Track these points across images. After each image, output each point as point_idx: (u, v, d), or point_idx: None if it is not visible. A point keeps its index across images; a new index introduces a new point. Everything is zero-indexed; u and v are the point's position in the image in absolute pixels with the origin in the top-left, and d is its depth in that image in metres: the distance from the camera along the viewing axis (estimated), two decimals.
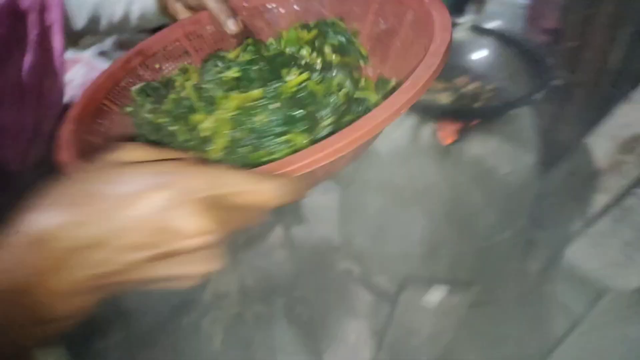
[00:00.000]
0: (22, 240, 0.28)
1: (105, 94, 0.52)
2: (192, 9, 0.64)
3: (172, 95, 0.54)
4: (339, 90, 0.48)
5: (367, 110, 0.45)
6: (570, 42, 1.40)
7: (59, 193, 0.30)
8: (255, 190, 0.30)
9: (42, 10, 0.66)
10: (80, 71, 2.00)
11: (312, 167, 0.32)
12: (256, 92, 0.48)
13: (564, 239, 1.32)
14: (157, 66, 0.58)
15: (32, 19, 0.65)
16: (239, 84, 0.50)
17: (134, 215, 0.28)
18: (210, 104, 0.50)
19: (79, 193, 0.29)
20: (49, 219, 0.28)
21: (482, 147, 0.99)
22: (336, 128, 0.44)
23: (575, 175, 1.37)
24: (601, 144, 1.33)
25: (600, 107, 1.44)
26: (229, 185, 0.29)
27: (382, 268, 1.13)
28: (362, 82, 0.51)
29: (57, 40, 0.68)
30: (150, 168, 0.29)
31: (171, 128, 0.49)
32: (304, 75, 0.49)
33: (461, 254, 1.05)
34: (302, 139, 0.43)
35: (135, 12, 0.73)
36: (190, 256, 0.30)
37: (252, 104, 0.47)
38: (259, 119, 0.45)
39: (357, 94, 0.49)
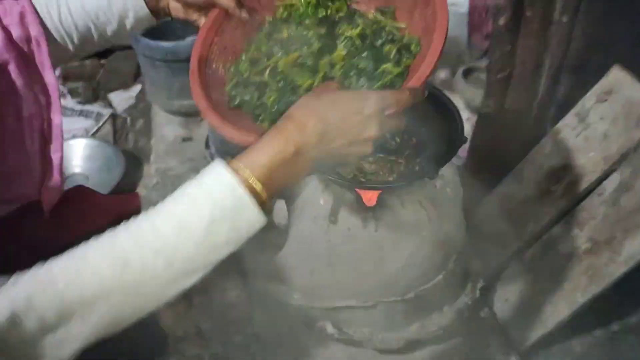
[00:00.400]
0: (290, 124, 0.55)
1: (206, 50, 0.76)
2: (187, 4, 0.76)
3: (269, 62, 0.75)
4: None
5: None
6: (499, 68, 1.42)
7: (307, 103, 0.58)
8: (403, 99, 0.59)
9: (30, 52, 0.70)
10: None
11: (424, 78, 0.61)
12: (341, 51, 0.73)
13: (497, 268, 1.40)
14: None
15: (18, 65, 0.68)
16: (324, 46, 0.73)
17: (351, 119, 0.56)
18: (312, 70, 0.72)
19: (328, 103, 0.58)
20: (307, 114, 0.56)
21: (403, 207, 1.04)
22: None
23: (508, 201, 1.43)
24: (530, 171, 1.39)
25: (529, 136, 1.48)
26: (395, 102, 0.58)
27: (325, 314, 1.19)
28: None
29: (49, 75, 0.71)
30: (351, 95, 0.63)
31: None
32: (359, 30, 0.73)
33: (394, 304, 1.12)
34: (395, 68, 0.69)
35: (129, 23, 0.77)
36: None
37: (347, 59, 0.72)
38: (362, 64, 0.70)
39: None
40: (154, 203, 1.44)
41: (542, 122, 1.51)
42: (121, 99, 2.10)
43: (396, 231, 1.02)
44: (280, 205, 1.21)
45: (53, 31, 0.75)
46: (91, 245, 0.50)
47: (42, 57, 0.71)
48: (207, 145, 1.66)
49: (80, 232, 0.88)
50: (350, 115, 0.56)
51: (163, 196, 1.46)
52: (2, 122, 0.68)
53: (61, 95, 2.07)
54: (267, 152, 0.54)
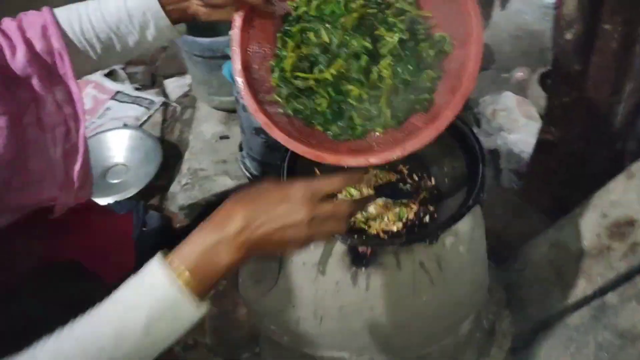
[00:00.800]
0: (217, 216, 0.58)
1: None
2: (213, 6, 0.76)
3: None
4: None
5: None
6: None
7: (238, 196, 0.60)
8: (332, 184, 0.63)
9: (53, 63, 0.74)
10: (91, 93, 2.06)
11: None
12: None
13: (532, 330, 1.19)
14: None
15: (40, 78, 0.72)
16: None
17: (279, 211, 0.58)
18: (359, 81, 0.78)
19: (254, 194, 0.60)
20: (234, 204, 0.59)
21: (399, 269, 0.90)
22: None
23: (559, 249, 1.21)
24: (591, 219, 1.15)
25: (598, 173, 1.22)
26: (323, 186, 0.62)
27: None
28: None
29: (73, 86, 0.75)
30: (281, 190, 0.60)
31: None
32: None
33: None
34: (436, 72, 0.78)
35: (150, 34, 0.79)
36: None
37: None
38: (406, 74, 0.77)
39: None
40: (181, 205, 1.42)
41: (617, 158, 1.24)
42: (175, 86, 2.10)
43: (390, 293, 0.89)
44: None
45: (76, 42, 0.76)
46: (40, 348, 0.52)
47: (65, 69, 0.74)
48: (240, 148, 1.60)
49: (73, 248, 0.91)
50: (277, 201, 0.59)
51: (190, 198, 1.46)
52: (24, 131, 0.72)
53: (119, 80, 2.13)
54: (197, 244, 0.56)
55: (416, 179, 1.02)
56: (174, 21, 0.80)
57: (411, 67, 0.76)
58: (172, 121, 1.99)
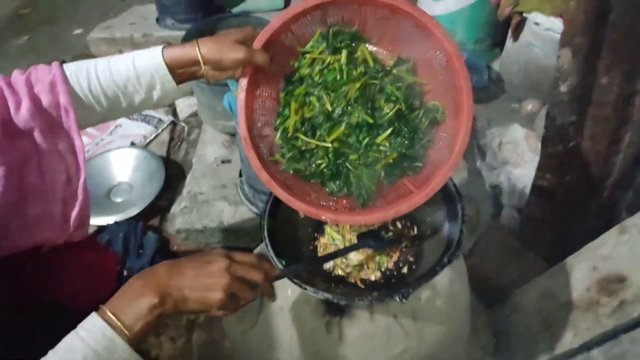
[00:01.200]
0: (145, 273, 0.63)
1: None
2: (222, 69, 0.78)
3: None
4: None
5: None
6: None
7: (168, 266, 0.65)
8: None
9: (58, 117, 0.77)
10: None
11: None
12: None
13: None
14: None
15: (42, 131, 0.76)
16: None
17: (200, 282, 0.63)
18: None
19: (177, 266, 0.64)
20: (161, 265, 0.65)
21: (372, 321, 0.89)
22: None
23: (548, 298, 1.18)
24: (582, 271, 1.12)
25: (594, 222, 1.20)
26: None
27: None
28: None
29: (77, 139, 0.79)
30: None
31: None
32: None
33: None
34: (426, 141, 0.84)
35: (156, 94, 0.82)
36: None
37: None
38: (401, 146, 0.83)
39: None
40: (178, 229, 1.44)
41: (615, 208, 1.22)
42: (185, 105, 2.14)
43: (363, 343, 0.89)
44: None
45: (83, 98, 0.79)
46: None
47: (70, 123, 0.77)
48: (240, 174, 1.62)
49: (56, 285, 0.94)
50: (197, 257, 0.67)
51: (188, 222, 1.47)
52: (25, 178, 0.76)
53: None
54: (127, 296, 0.62)
55: (399, 226, 1.01)
56: (181, 82, 0.82)
57: (406, 140, 0.82)
58: (178, 141, 2.02)
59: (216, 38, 0.78)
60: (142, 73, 0.78)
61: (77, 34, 2.89)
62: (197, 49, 0.76)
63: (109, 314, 0.59)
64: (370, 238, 0.94)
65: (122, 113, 0.85)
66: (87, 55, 2.50)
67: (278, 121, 0.85)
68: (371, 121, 0.80)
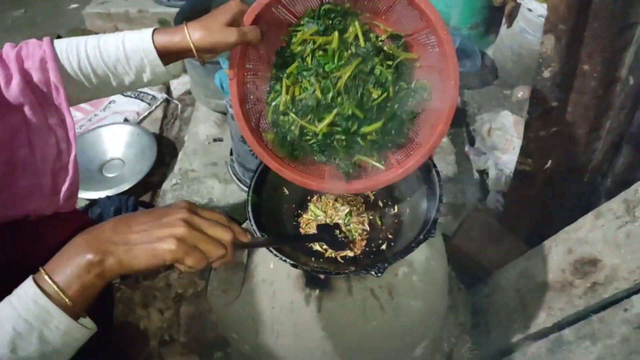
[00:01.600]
0: (84, 232, 0.57)
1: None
2: (214, 53, 0.78)
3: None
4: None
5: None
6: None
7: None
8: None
9: (49, 93, 0.78)
10: None
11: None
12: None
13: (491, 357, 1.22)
14: None
15: (32, 106, 0.77)
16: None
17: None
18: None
19: (127, 220, 0.58)
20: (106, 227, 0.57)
21: (350, 294, 0.93)
22: None
23: (526, 279, 1.22)
24: (558, 253, 1.16)
25: (575, 206, 1.23)
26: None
27: None
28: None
29: (67, 116, 0.80)
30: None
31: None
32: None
33: None
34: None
35: (146, 77, 0.82)
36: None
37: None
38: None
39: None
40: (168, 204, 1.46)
41: (594, 193, 1.25)
42: (179, 83, 2.15)
43: (340, 316, 0.92)
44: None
45: (73, 75, 0.79)
46: None
47: (60, 100, 0.77)
48: (231, 152, 1.64)
49: (42, 256, 0.96)
50: (154, 209, 0.61)
51: (177, 198, 1.48)
52: (15, 151, 0.77)
53: None
54: (65, 255, 0.55)
55: (381, 205, 1.04)
56: (171, 62, 0.82)
57: (393, 129, 0.85)
58: (172, 118, 2.04)
59: (206, 22, 0.76)
60: (132, 56, 0.78)
61: (73, 9, 2.87)
62: (187, 36, 0.75)
63: (44, 275, 0.53)
64: (327, 232, 0.95)
65: (114, 91, 0.85)
66: (83, 30, 2.49)
67: (270, 97, 0.86)
68: (362, 116, 0.82)
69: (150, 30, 0.78)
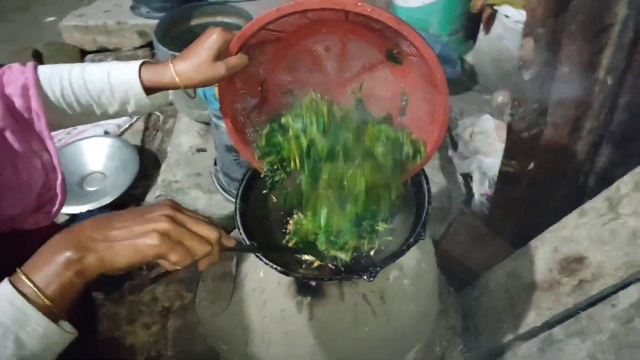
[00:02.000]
0: (65, 230, 0.54)
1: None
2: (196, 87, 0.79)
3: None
4: None
5: None
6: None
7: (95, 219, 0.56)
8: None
9: (30, 119, 0.76)
10: None
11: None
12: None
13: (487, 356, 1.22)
14: None
15: (14, 132, 0.75)
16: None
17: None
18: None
19: (108, 218, 0.55)
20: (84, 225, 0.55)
21: (342, 300, 0.92)
22: None
23: (514, 279, 1.23)
24: (545, 253, 1.17)
25: (559, 206, 1.24)
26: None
27: None
28: None
29: (49, 143, 0.78)
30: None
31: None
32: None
33: None
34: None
35: (130, 108, 0.81)
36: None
37: None
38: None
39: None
40: None
41: (578, 192, 1.27)
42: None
43: (333, 323, 0.91)
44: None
45: (55, 103, 0.78)
46: None
47: (42, 127, 0.76)
48: (215, 162, 1.62)
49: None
50: (137, 208, 0.59)
51: None
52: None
53: None
54: (43, 253, 0.53)
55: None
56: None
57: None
58: (153, 130, 2.01)
59: (193, 60, 0.74)
60: (116, 88, 0.77)
61: (50, 21, 2.83)
62: (175, 77, 0.74)
63: (21, 275, 0.51)
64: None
65: (97, 119, 0.84)
66: (62, 43, 2.45)
67: (265, 130, 0.90)
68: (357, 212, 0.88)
69: (137, 64, 0.77)
